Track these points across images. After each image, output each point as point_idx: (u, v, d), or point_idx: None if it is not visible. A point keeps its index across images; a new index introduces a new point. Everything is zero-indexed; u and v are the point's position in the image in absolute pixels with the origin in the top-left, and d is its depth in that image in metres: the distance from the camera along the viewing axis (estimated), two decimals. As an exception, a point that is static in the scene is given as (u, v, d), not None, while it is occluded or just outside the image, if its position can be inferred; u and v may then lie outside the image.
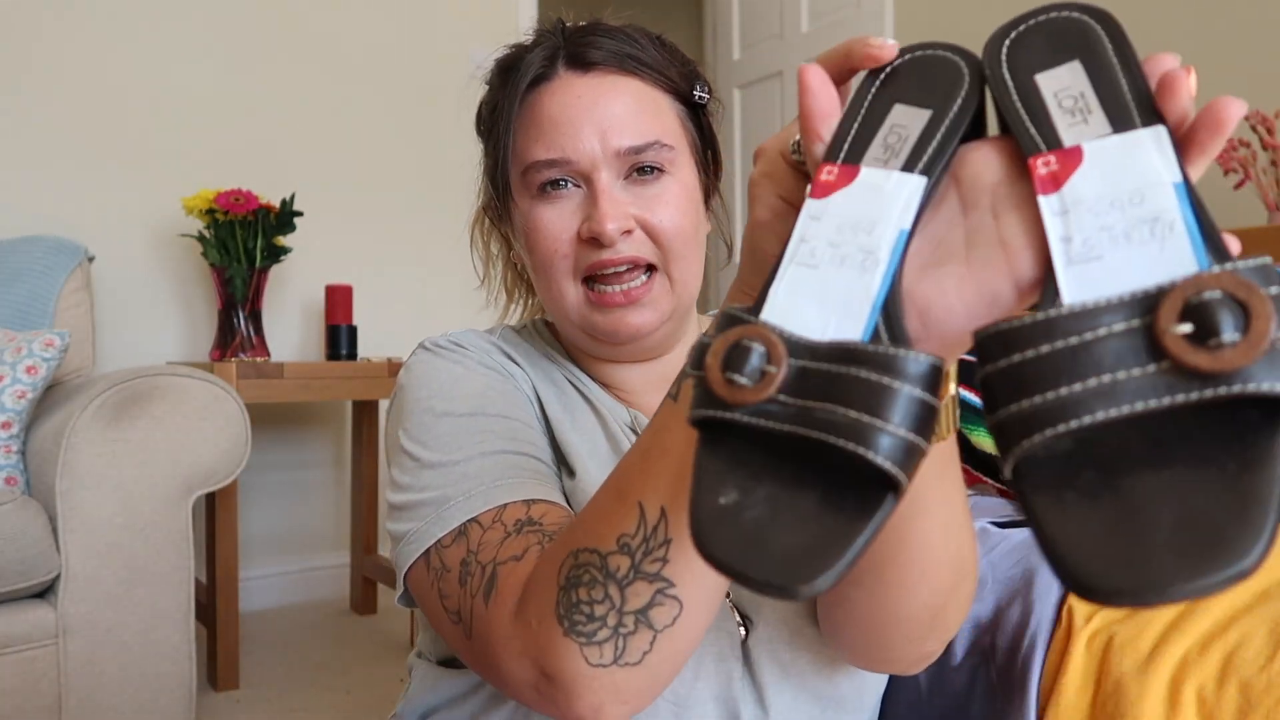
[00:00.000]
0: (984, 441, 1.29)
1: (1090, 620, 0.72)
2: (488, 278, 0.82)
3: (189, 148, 2.46)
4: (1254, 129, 1.97)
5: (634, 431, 0.69)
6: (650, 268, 0.67)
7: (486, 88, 0.73)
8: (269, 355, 2.31)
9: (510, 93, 0.68)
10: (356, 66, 2.73)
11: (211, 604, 1.95)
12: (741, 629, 0.62)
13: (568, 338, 0.73)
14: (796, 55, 3.39)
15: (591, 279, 0.66)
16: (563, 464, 0.67)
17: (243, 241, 2.23)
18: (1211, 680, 0.63)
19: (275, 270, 2.46)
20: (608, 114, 0.65)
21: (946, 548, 0.51)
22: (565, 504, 0.60)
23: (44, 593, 1.46)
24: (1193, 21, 2.38)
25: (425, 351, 0.70)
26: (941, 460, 0.47)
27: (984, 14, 2.90)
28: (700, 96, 0.71)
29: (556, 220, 0.66)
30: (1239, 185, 2.00)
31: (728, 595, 0.63)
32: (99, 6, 2.33)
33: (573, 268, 0.66)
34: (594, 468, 0.65)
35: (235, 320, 2.27)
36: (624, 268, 0.65)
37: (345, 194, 2.70)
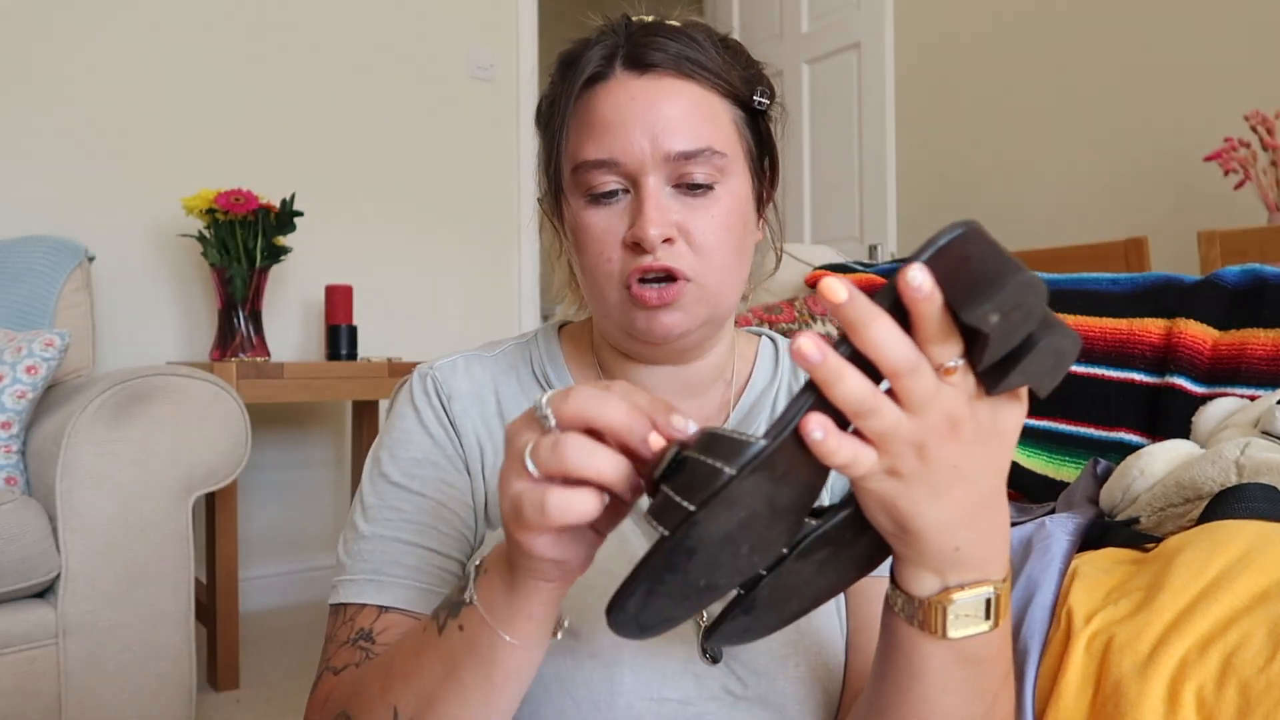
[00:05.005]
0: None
1: (1090, 621, 0.72)
2: (557, 268, 0.82)
3: (189, 148, 2.46)
4: (1254, 129, 1.97)
5: None
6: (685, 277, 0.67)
7: (549, 80, 0.73)
8: (269, 355, 2.31)
9: (567, 90, 0.68)
10: (357, 66, 2.73)
11: (211, 604, 1.95)
12: None
13: (605, 335, 0.74)
14: (796, 55, 3.39)
15: None
16: None
17: (243, 241, 2.23)
18: (1211, 681, 0.63)
19: (275, 270, 2.46)
20: (660, 117, 0.65)
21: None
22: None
23: (44, 593, 1.46)
24: (1193, 21, 2.38)
25: (409, 385, 0.75)
26: (951, 651, 0.49)
27: (983, 13, 2.89)
28: (760, 102, 0.70)
29: (603, 223, 0.66)
30: (1239, 185, 2.00)
31: None
32: (100, 7, 2.33)
33: (617, 272, 0.66)
34: None
35: (235, 320, 2.27)
36: (660, 274, 0.65)
37: (345, 194, 2.70)
